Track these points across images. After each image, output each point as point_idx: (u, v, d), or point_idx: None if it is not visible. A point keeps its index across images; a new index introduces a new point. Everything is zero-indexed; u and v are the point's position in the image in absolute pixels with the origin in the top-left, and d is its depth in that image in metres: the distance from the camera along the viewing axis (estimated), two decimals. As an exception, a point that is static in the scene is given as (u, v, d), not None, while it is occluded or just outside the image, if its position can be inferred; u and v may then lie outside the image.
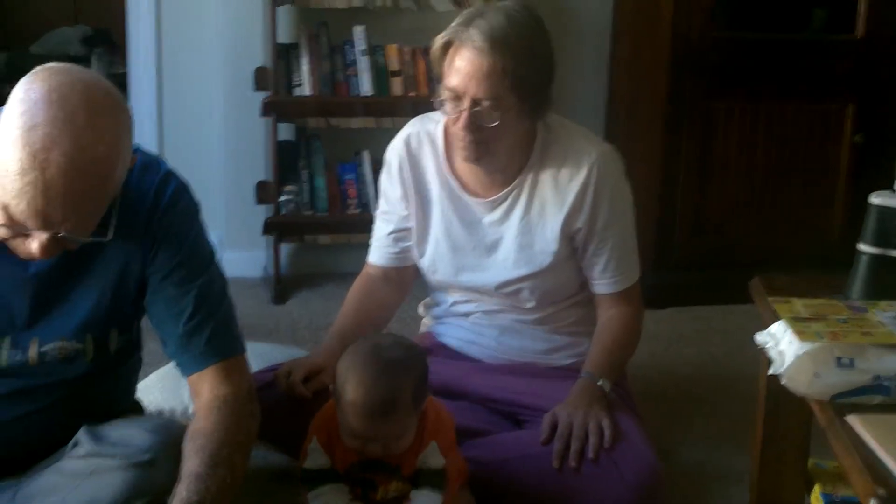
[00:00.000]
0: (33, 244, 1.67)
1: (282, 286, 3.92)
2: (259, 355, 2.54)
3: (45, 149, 1.60)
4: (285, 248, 4.07)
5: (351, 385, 1.92)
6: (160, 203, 1.87)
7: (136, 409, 2.12)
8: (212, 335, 1.91)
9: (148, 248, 1.87)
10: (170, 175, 1.91)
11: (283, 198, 3.88)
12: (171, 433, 1.87)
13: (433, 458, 2.01)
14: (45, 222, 1.64)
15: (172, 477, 1.79)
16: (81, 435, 1.86)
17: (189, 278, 1.89)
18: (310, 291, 3.96)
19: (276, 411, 2.11)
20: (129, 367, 2.03)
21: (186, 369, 1.93)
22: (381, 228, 2.46)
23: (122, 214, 1.79)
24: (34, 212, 1.62)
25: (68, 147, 1.61)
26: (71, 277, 1.86)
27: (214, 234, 4.03)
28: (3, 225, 1.66)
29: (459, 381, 2.37)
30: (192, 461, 1.79)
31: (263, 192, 3.90)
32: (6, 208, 1.63)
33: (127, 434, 1.85)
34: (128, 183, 1.79)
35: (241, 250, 4.06)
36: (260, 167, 3.98)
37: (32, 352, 1.86)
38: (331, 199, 3.92)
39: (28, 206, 1.62)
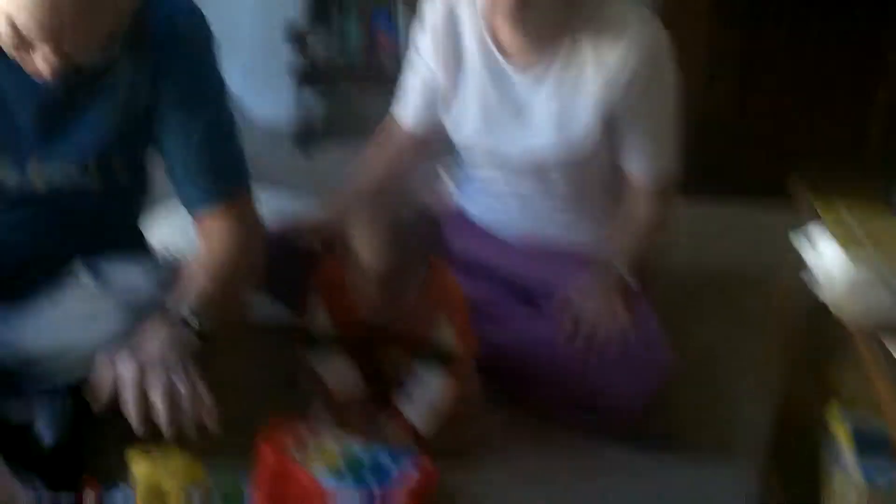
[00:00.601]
0: (38, 58, 1.63)
1: (308, 136, 3.81)
2: (273, 204, 2.46)
3: None
4: (313, 96, 3.94)
5: (363, 247, 1.86)
6: (174, 30, 1.81)
7: (139, 242, 2.07)
8: (219, 171, 1.89)
9: (157, 74, 1.81)
10: (186, 2, 1.85)
11: (312, 43, 3.75)
12: (173, 275, 1.82)
13: (443, 332, 1.95)
14: (49, 34, 1.59)
15: None
16: (80, 268, 1.82)
17: (197, 109, 1.85)
18: (337, 144, 3.85)
19: (283, 267, 2.07)
20: (136, 200, 1.99)
21: (192, 205, 1.90)
22: (411, 82, 2.36)
23: (133, 37, 1.74)
24: (37, 22, 1.58)
25: None
26: (78, 99, 1.80)
27: (238, 73, 3.99)
28: (9, 38, 1.62)
29: (479, 257, 2.32)
30: (193, 279, 1.79)
31: (294, 35, 3.76)
32: (11, 21, 1.59)
33: (128, 275, 1.81)
34: (142, 6, 1.73)
35: (266, 93, 3.93)
36: (290, 6, 3.83)
37: (34, 173, 1.81)
38: (364, 46, 3.78)
39: (31, 16, 1.58)
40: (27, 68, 1.66)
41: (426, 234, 1.92)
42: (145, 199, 2.03)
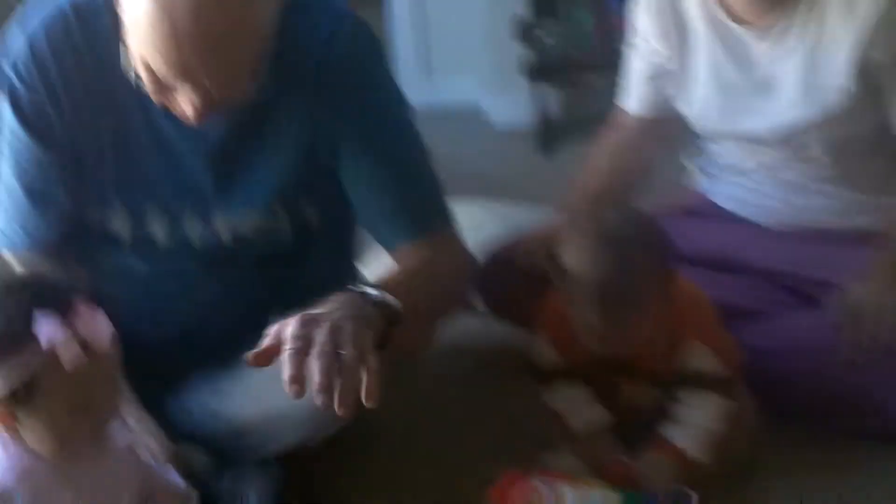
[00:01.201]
0: (183, 100, 1.47)
1: (548, 134, 3.57)
2: (504, 217, 2.33)
3: None
4: (551, 93, 3.69)
5: (576, 265, 1.62)
6: (332, 50, 1.60)
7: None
8: (414, 210, 1.68)
9: (325, 108, 1.61)
10: (342, 13, 1.63)
11: (541, 36, 3.51)
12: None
13: (701, 360, 1.67)
14: (183, 72, 1.44)
15: None
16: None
17: (378, 143, 1.65)
18: (579, 141, 3.58)
19: (516, 292, 1.90)
20: (337, 243, 1.78)
21: (389, 243, 1.70)
22: (638, 70, 2.09)
23: (284, 66, 1.55)
24: (169, 62, 1.43)
25: None
26: (248, 146, 1.64)
27: (471, 78, 3.83)
28: (150, 83, 1.48)
29: (735, 250, 2.02)
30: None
31: (522, 30, 3.55)
32: (147, 65, 1.46)
33: None
34: (287, 27, 1.53)
35: (502, 95, 3.74)
36: (515, 1, 3.60)
37: (222, 227, 1.66)
38: (596, 32, 3.52)
39: (162, 56, 1.43)
40: (175, 112, 1.52)
41: (652, 244, 1.64)
42: (350, 240, 1.84)
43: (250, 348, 1.60)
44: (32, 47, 1.61)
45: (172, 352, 1.68)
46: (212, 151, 1.63)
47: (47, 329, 1.22)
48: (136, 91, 1.52)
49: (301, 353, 1.32)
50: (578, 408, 1.75)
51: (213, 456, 1.62)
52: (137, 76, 1.48)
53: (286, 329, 1.37)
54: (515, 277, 1.92)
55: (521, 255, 1.93)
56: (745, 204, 2.06)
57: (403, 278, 1.59)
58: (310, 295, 1.67)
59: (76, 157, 1.65)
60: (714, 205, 2.11)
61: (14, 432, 1.28)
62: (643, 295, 1.61)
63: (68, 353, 1.23)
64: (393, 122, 1.68)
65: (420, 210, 1.69)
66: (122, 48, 1.50)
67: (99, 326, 1.27)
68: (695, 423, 1.69)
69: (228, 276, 1.70)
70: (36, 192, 1.67)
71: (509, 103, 3.72)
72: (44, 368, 1.24)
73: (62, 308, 1.24)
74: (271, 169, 1.65)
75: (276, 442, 1.59)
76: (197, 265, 1.69)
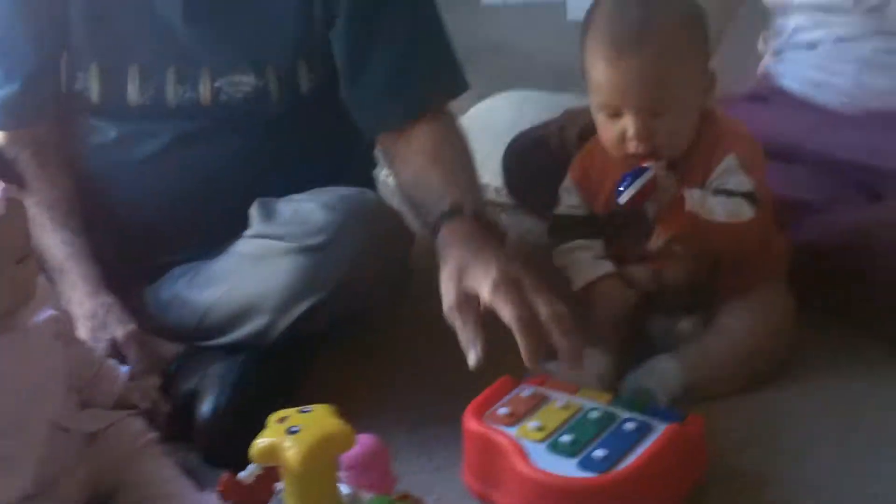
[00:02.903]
0: None
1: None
2: (536, 102, 2.20)
3: None
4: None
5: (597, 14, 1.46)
6: None
7: (362, 177, 1.68)
8: (426, 79, 1.51)
9: None
10: None
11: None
12: (353, 208, 1.42)
13: (733, 176, 1.45)
14: None
15: (349, 264, 1.37)
16: (253, 209, 1.47)
17: (389, 5, 1.49)
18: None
19: (543, 173, 1.70)
20: (333, 116, 1.56)
21: (378, 126, 1.53)
22: None
23: None
24: None
25: None
26: None
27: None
28: None
29: (798, 138, 1.79)
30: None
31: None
32: None
33: (301, 210, 1.43)
34: None
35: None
36: None
37: (204, 88, 1.50)
38: None
39: None
40: None
41: (695, 38, 1.47)
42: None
43: (227, 232, 1.48)
44: None
45: (148, 233, 1.54)
46: None
47: None
48: None
49: (530, 324, 1.20)
50: (585, 263, 1.55)
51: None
52: None
53: (474, 292, 1.24)
54: (544, 160, 1.73)
55: (552, 131, 1.74)
56: (814, 84, 1.84)
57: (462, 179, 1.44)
58: (300, 169, 1.53)
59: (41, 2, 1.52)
60: (781, 89, 1.89)
61: None
62: (684, 87, 1.43)
63: None
64: None
65: (421, 87, 1.51)
66: None
67: None
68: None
69: (204, 140, 1.53)
70: None
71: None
72: None
73: None
74: (264, 21, 1.49)
75: (231, 329, 1.44)
76: (171, 127, 1.53)
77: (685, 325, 1.51)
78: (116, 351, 1.38)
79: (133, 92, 1.52)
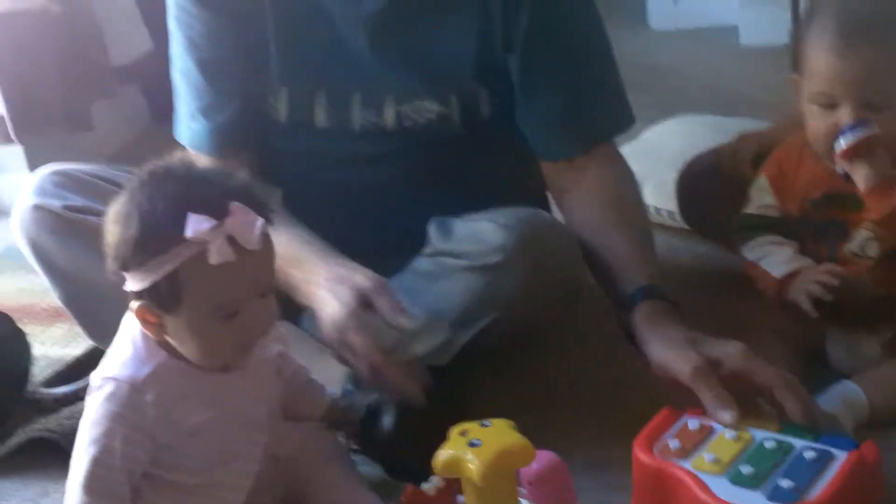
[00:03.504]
0: None
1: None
2: (708, 126, 2.20)
3: None
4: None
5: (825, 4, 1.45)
6: None
7: (537, 197, 1.71)
8: (598, 111, 1.54)
9: None
10: None
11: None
12: (528, 228, 1.46)
13: None
14: None
15: (524, 283, 1.41)
16: (431, 228, 1.52)
17: (561, 35, 1.51)
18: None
19: (716, 198, 1.72)
20: (512, 137, 1.61)
21: (552, 151, 1.56)
22: None
23: None
24: None
25: None
26: (420, 19, 1.53)
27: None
28: None
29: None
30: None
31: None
32: None
33: (478, 229, 1.47)
34: None
35: (761, 16, 3.44)
36: None
37: (388, 113, 1.55)
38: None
39: None
40: None
41: None
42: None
43: (406, 250, 1.53)
44: None
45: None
46: (372, 22, 1.53)
47: (194, 225, 1.14)
48: None
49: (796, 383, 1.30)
50: (785, 255, 1.53)
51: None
52: None
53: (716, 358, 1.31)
54: (717, 185, 1.74)
55: (725, 157, 1.74)
56: None
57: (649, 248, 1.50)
58: (478, 188, 1.58)
59: (242, 25, 1.58)
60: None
61: (155, 330, 1.21)
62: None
63: (213, 247, 1.14)
64: (577, 14, 1.55)
65: (593, 118, 1.55)
66: None
67: (250, 226, 1.17)
68: None
69: (386, 162, 1.59)
70: (208, 63, 1.60)
71: (769, 27, 3.41)
72: (187, 263, 1.16)
73: (215, 208, 1.16)
74: (447, 50, 1.54)
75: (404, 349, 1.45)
76: (355, 149, 1.59)
77: (870, 347, 1.48)
78: (362, 301, 1.38)
79: (320, 115, 1.58)
